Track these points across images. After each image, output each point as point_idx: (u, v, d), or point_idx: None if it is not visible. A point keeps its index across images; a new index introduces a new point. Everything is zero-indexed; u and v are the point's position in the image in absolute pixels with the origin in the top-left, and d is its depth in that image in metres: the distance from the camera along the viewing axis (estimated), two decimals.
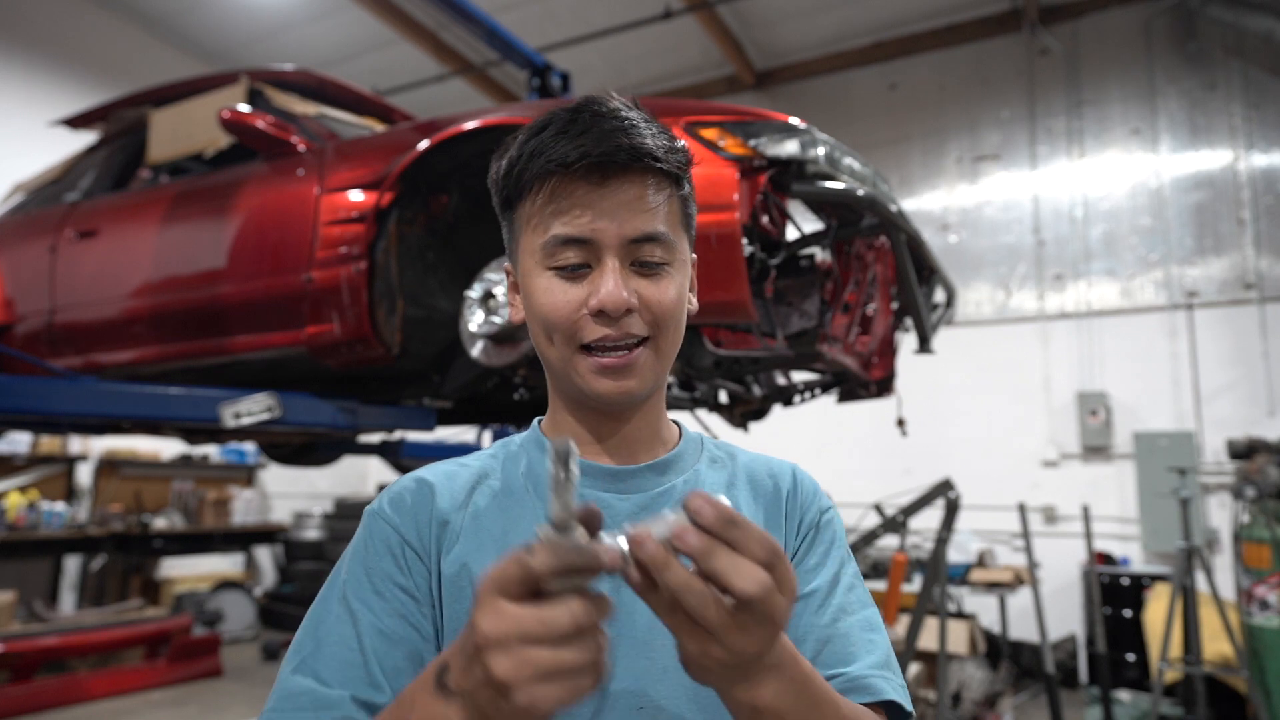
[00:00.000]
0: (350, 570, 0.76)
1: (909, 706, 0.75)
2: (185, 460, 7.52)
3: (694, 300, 0.84)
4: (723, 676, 0.56)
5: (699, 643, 0.53)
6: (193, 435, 3.97)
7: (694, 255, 0.84)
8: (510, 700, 0.49)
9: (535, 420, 0.88)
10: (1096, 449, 6.35)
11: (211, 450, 7.71)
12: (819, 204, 2.36)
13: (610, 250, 0.73)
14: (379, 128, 3.37)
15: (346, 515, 8.04)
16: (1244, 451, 4.95)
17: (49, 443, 6.58)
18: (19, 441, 6.33)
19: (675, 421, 0.89)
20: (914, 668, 4.37)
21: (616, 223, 0.73)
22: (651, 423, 0.83)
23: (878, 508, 4.36)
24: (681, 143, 0.78)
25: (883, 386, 3.03)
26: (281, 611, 7.34)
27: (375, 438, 4.02)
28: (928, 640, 4.40)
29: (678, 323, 0.78)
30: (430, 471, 0.82)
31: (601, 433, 0.81)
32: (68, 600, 6.69)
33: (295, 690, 0.69)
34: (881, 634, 0.78)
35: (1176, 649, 4.26)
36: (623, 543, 0.53)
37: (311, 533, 8.00)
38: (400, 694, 0.62)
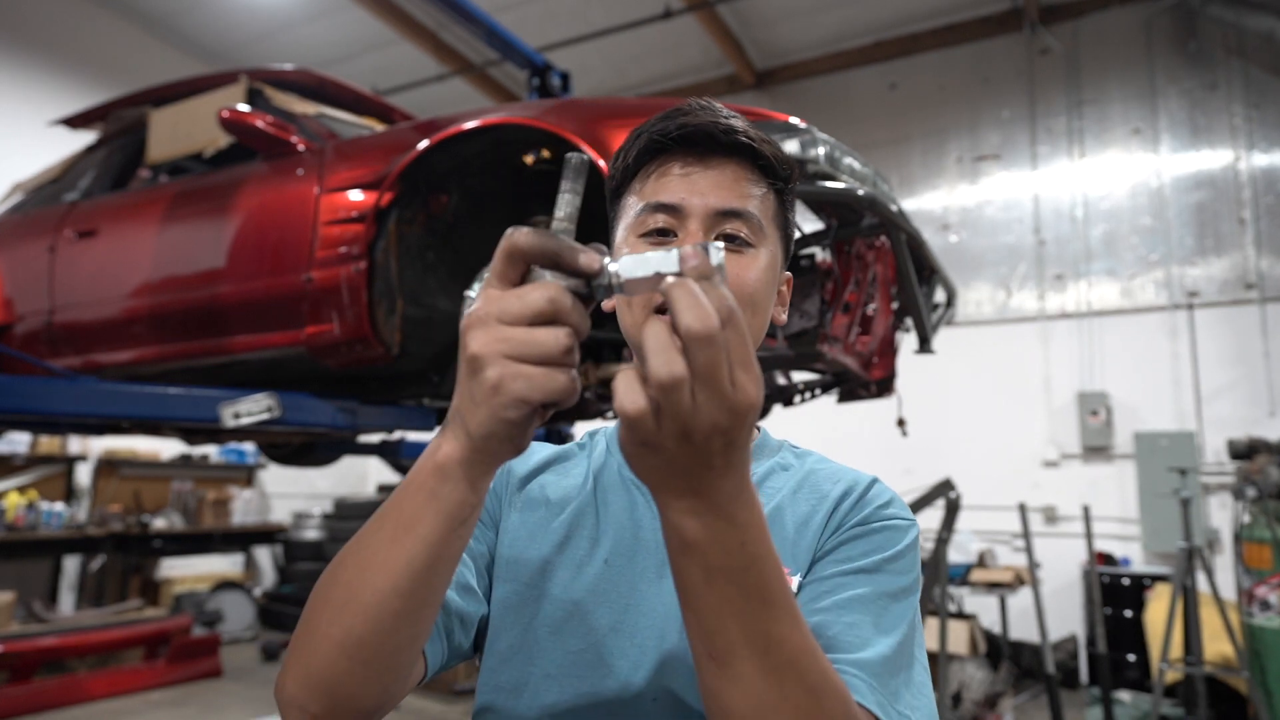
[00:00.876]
0: None
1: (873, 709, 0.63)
2: (184, 460, 7.51)
3: (782, 314, 0.83)
4: (663, 474, 0.52)
5: (651, 413, 0.49)
6: (192, 435, 3.96)
7: (789, 274, 0.85)
8: (481, 380, 0.52)
9: None
10: (1097, 449, 6.35)
11: (211, 450, 7.71)
12: (819, 204, 2.35)
13: (696, 218, 0.75)
14: (379, 127, 3.36)
15: (346, 515, 8.03)
16: (1245, 451, 4.95)
17: (48, 443, 6.58)
18: (18, 441, 6.33)
19: (757, 425, 0.90)
20: None
21: (707, 195, 0.75)
22: None
23: None
24: (786, 153, 0.81)
25: (883, 386, 3.02)
26: (281, 612, 7.34)
27: (375, 438, 4.01)
28: (928, 640, 4.40)
29: (755, 307, 0.76)
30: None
31: None
32: (67, 600, 6.69)
33: None
34: (904, 657, 0.68)
35: (1177, 649, 4.25)
36: (613, 265, 0.53)
37: (311, 533, 8.00)
38: None
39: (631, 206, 0.79)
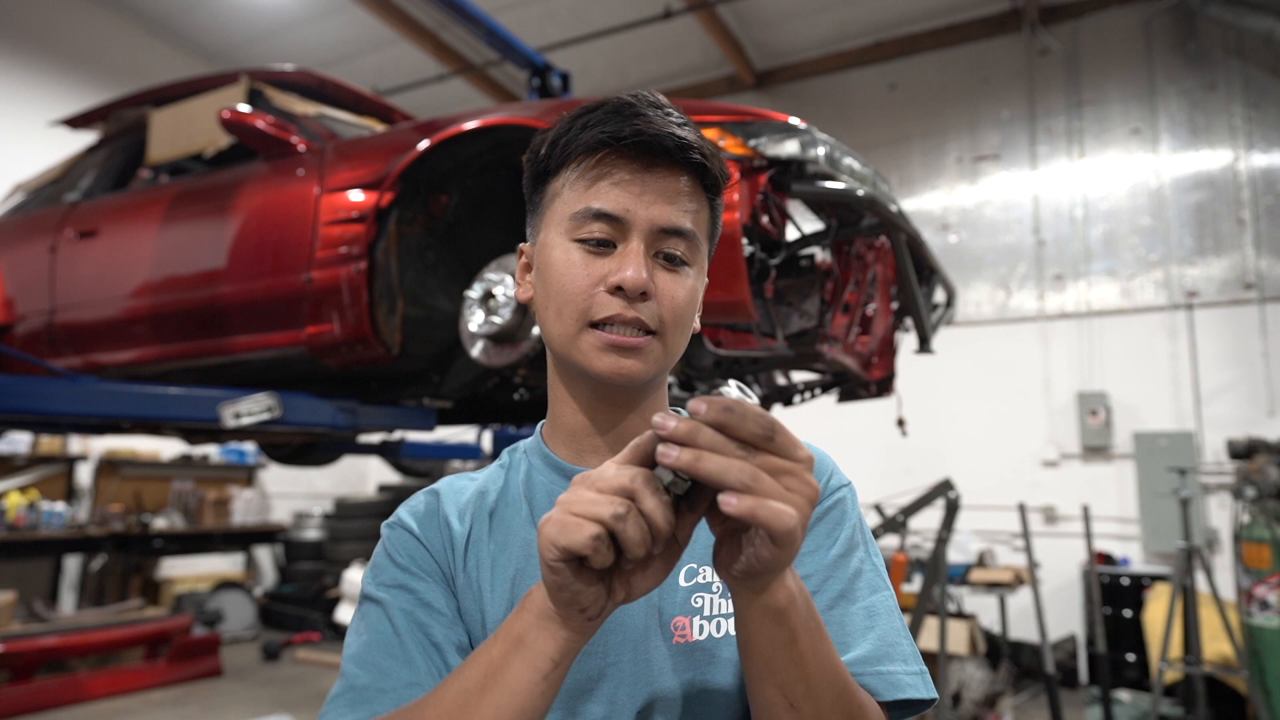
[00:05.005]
0: (373, 579, 0.77)
1: (908, 695, 0.71)
2: (185, 460, 7.52)
3: (697, 320, 0.82)
4: (751, 580, 0.57)
5: (732, 543, 0.57)
6: (193, 435, 3.97)
7: (706, 279, 0.84)
8: (540, 542, 0.56)
9: (539, 424, 0.87)
10: (1096, 449, 6.35)
11: (211, 450, 7.72)
12: (819, 204, 2.35)
13: (638, 232, 0.73)
14: (379, 128, 3.36)
15: (346, 515, 8.05)
16: (1244, 451, 4.95)
17: (49, 443, 6.58)
18: (19, 441, 6.33)
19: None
20: None
21: (651, 208, 0.73)
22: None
23: (878, 508, 4.36)
24: (724, 159, 0.79)
25: (883, 386, 3.03)
26: (281, 611, 7.35)
27: (375, 438, 4.02)
28: (928, 640, 4.40)
29: (686, 324, 0.77)
30: (441, 484, 0.85)
31: (600, 425, 0.80)
32: (68, 600, 6.69)
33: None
34: (885, 621, 0.75)
35: (1176, 649, 4.26)
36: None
37: (311, 533, 8.01)
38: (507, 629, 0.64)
39: (564, 201, 0.76)
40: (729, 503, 0.52)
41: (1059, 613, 5.97)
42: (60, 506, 6.31)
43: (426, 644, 0.72)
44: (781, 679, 0.61)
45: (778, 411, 3.42)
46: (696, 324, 0.82)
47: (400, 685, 0.69)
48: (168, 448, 7.34)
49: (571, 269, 0.74)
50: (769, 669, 0.61)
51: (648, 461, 0.56)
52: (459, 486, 0.84)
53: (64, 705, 4.82)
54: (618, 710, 0.72)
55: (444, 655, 0.72)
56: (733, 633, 0.74)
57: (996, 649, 5.27)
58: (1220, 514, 5.80)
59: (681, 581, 0.76)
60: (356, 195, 2.66)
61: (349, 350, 2.67)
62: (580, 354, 0.74)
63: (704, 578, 0.76)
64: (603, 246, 0.74)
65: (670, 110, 0.75)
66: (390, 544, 0.79)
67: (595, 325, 0.74)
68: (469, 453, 4.49)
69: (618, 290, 0.72)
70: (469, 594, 0.77)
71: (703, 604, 0.75)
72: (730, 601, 0.74)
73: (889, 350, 2.97)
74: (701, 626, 0.75)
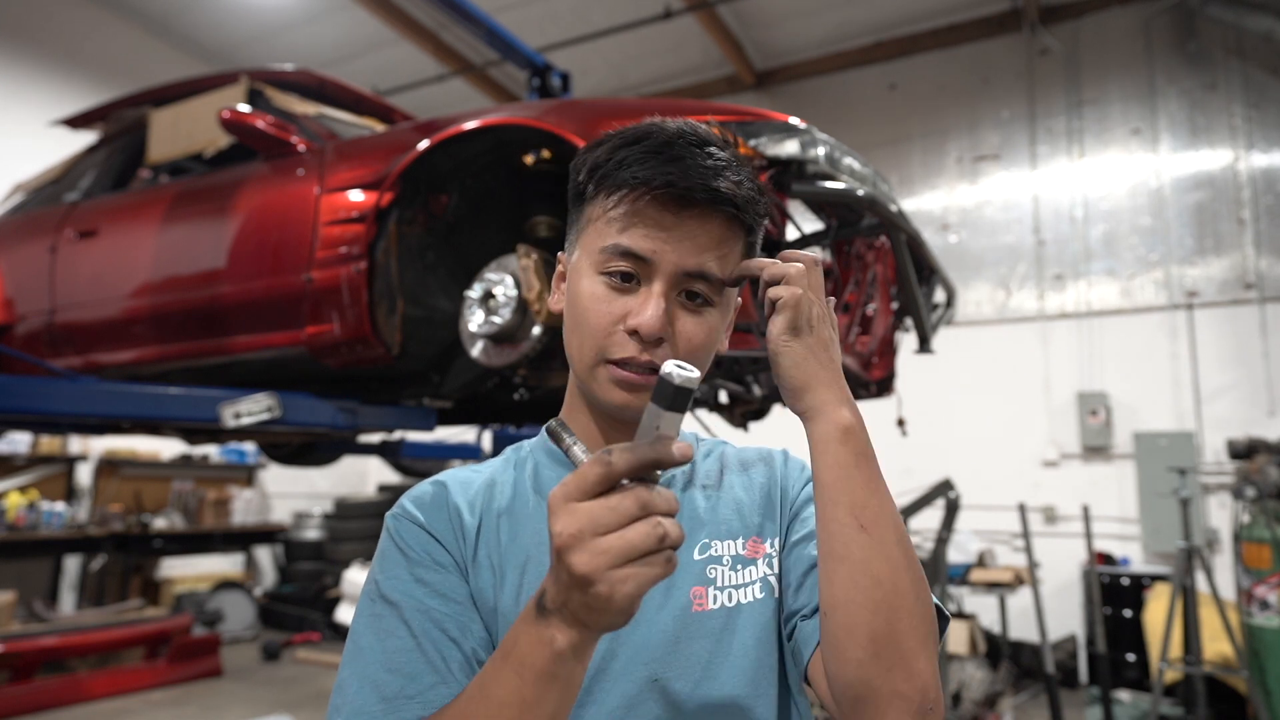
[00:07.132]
0: (383, 574, 0.76)
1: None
2: (185, 460, 7.52)
3: (724, 341, 0.84)
4: (807, 364, 0.72)
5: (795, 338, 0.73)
6: (193, 435, 3.96)
7: (740, 299, 0.86)
8: (591, 594, 0.54)
9: (545, 426, 0.89)
10: (1097, 449, 6.35)
11: (211, 450, 7.72)
12: (819, 204, 2.35)
13: (663, 276, 0.75)
14: (379, 128, 3.36)
15: (346, 515, 8.05)
16: (1244, 451, 4.95)
17: (49, 443, 6.58)
18: (19, 441, 6.33)
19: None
20: None
21: (678, 253, 0.75)
22: None
23: None
24: (764, 195, 0.80)
25: (883, 386, 3.03)
26: (281, 611, 7.35)
27: (375, 438, 4.02)
28: None
29: (697, 360, 0.79)
30: (446, 475, 0.85)
31: (611, 436, 0.84)
32: (68, 600, 6.69)
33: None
34: None
35: (1177, 649, 4.26)
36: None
37: (311, 533, 8.01)
38: (503, 640, 0.63)
39: (596, 230, 0.78)
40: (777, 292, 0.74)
41: (1059, 613, 5.97)
42: (60, 506, 6.31)
43: (445, 640, 0.73)
44: (851, 499, 0.68)
45: (777, 411, 3.41)
46: (723, 343, 0.84)
47: (426, 688, 0.70)
48: (168, 448, 7.34)
49: (596, 304, 0.77)
50: (839, 489, 0.69)
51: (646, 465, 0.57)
52: (465, 478, 0.85)
53: (64, 705, 4.82)
54: (633, 683, 0.74)
55: (461, 648, 0.73)
56: (744, 601, 0.79)
57: (996, 649, 5.27)
58: (1220, 514, 5.80)
59: (695, 555, 0.81)
60: (356, 195, 2.66)
61: (349, 350, 2.67)
62: (596, 384, 0.78)
63: (715, 551, 0.81)
64: (627, 281, 0.76)
65: (711, 150, 0.76)
66: (398, 536, 0.78)
67: (610, 360, 0.77)
68: (469, 453, 4.49)
69: (634, 333, 0.75)
70: (479, 584, 0.77)
71: (715, 575, 0.80)
72: (739, 574, 0.81)
73: (889, 350, 2.97)
74: (715, 596, 0.79)
